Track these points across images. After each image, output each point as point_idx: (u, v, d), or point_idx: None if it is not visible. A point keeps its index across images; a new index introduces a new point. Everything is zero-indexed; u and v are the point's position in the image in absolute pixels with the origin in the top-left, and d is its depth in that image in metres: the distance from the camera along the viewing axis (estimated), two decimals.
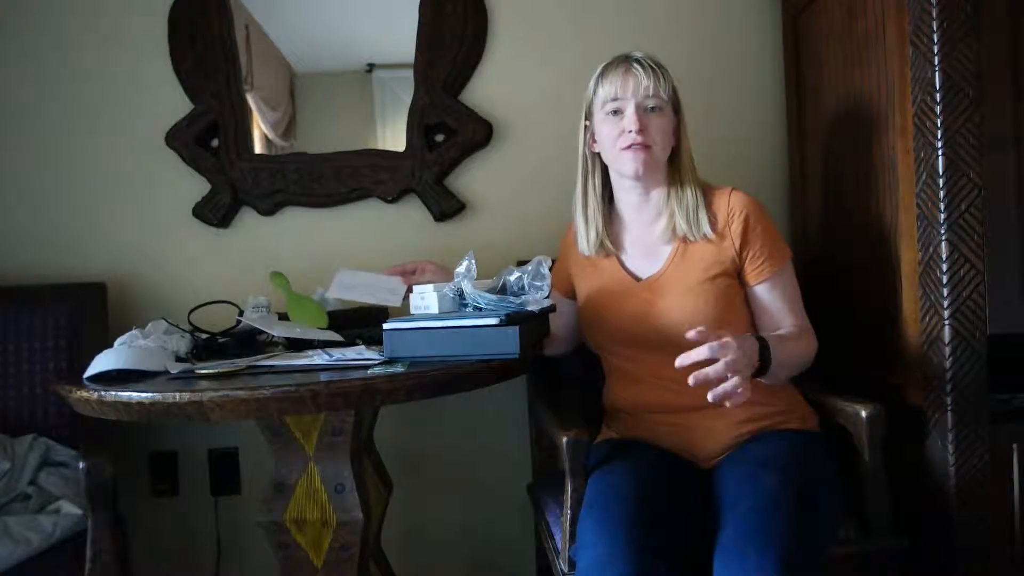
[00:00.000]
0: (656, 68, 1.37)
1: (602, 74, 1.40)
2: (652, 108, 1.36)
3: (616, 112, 1.37)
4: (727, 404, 1.13)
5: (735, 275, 1.38)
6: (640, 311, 1.38)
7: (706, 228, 1.37)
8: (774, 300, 1.38)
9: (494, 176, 1.92)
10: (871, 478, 1.33)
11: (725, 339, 1.14)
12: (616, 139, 1.37)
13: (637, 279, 1.42)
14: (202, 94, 1.85)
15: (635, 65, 1.37)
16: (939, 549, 1.39)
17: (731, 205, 1.38)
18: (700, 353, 1.13)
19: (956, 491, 1.36)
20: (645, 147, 1.35)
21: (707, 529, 1.20)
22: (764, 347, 1.24)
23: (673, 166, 1.41)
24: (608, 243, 1.45)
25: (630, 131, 1.35)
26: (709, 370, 1.13)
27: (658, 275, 1.40)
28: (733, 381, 1.12)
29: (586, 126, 1.44)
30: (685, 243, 1.39)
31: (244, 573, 1.92)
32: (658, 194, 1.42)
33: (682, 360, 1.14)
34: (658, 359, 1.36)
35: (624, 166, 1.38)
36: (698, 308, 1.34)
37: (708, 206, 1.39)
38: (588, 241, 1.46)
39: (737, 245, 1.36)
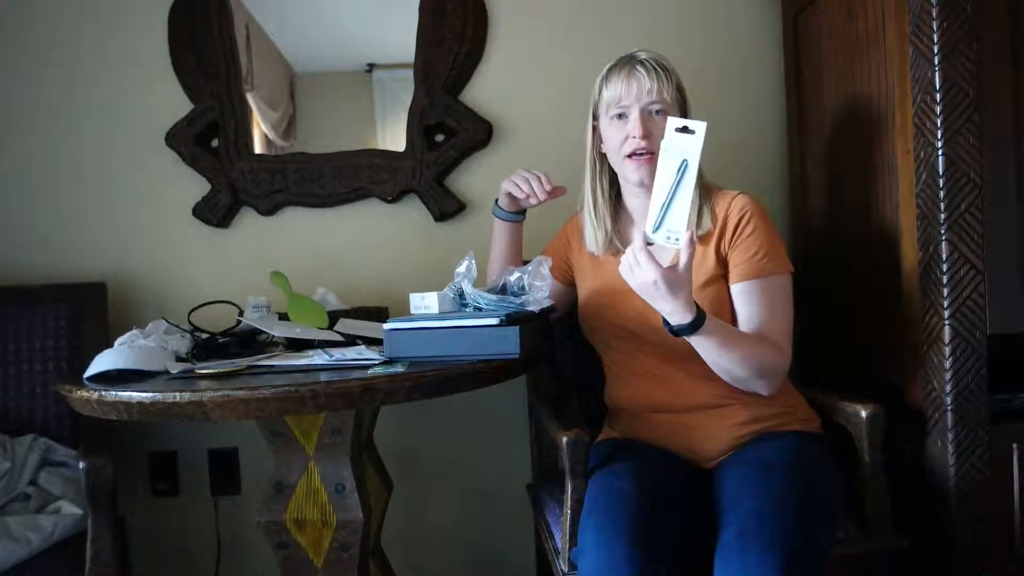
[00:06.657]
0: (660, 69, 1.35)
1: (607, 76, 1.38)
2: (657, 112, 1.34)
3: (621, 116, 1.36)
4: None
5: (725, 278, 1.36)
6: (640, 310, 1.37)
7: (704, 227, 1.35)
8: (742, 305, 1.32)
9: (494, 176, 1.91)
10: (871, 478, 1.33)
11: (672, 272, 1.17)
12: (621, 145, 1.36)
13: None
14: (202, 94, 1.85)
15: (639, 67, 1.35)
16: (939, 549, 1.39)
17: (731, 207, 1.35)
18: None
19: (956, 491, 1.36)
20: (649, 154, 1.33)
21: (707, 529, 1.20)
22: (701, 314, 1.21)
23: None
24: (617, 242, 1.44)
25: (634, 137, 1.33)
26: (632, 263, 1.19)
27: None
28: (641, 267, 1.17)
29: (594, 127, 1.42)
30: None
31: (244, 573, 1.92)
32: None
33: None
34: (656, 357, 1.36)
35: (628, 174, 1.37)
36: None
37: (712, 209, 1.36)
38: (597, 242, 1.45)
39: (726, 245, 1.34)
